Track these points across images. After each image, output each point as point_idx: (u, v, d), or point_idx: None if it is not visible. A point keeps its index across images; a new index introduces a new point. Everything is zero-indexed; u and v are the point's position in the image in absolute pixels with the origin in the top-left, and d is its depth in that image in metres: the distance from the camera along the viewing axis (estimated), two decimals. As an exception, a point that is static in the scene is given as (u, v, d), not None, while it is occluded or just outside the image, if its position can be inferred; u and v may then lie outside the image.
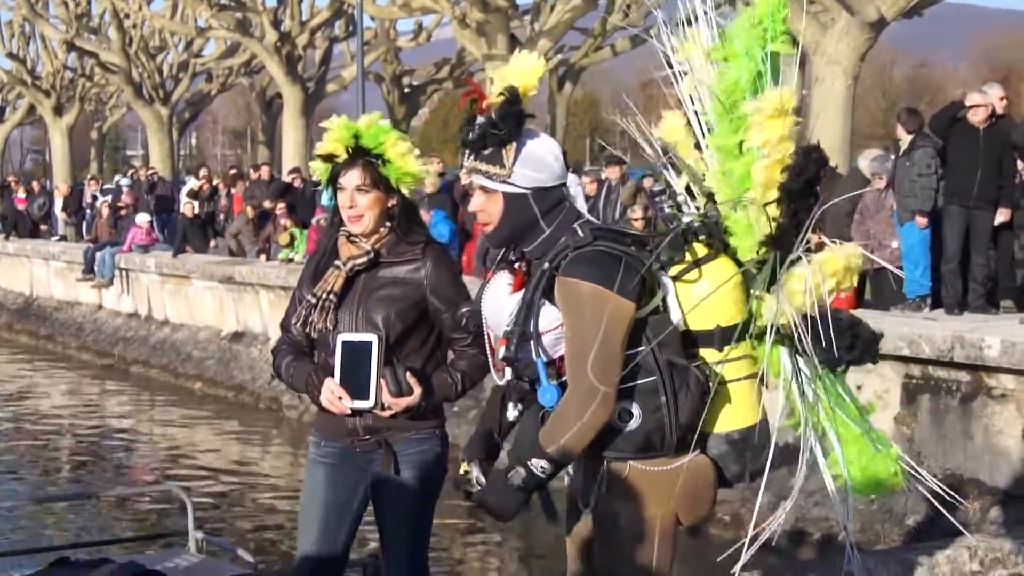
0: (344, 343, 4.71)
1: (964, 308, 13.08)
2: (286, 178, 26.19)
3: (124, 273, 26.53)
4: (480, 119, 3.98)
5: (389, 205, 4.86)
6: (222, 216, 27.02)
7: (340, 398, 4.73)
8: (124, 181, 31.23)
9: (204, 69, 49.12)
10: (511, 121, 3.95)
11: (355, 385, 4.70)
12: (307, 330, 4.89)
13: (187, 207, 26.46)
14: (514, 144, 4.00)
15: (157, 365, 23.84)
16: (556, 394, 3.95)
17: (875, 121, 58.96)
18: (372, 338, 4.70)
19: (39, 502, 14.10)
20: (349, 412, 4.77)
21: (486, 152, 4.02)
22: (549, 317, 3.98)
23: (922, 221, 13.21)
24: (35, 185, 36.83)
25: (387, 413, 4.78)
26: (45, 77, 51.14)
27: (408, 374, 4.77)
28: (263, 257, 23.49)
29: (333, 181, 4.85)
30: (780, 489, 12.63)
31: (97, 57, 45.71)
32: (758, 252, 4.13)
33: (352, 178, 4.80)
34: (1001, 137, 13.20)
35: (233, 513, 14.48)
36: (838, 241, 4.25)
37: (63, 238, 31.79)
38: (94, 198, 31.03)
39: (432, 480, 4.98)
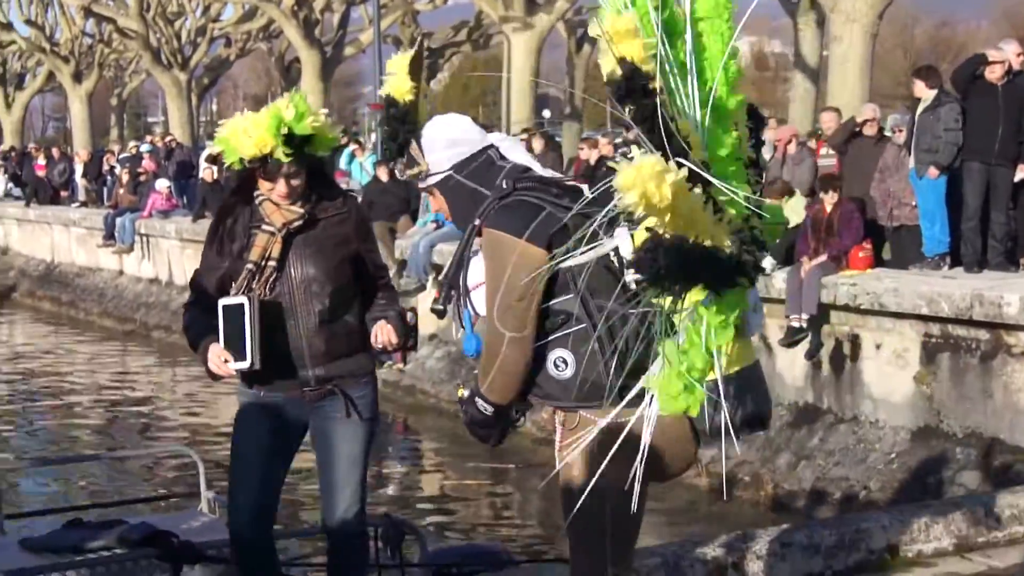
0: (223, 307, 4.79)
1: (984, 266, 13.02)
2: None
3: (144, 239, 26.57)
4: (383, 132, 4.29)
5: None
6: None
7: (226, 361, 4.80)
8: (144, 147, 31.20)
9: (222, 34, 48.99)
10: (396, 124, 4.23)
11: (234, 347, 4.76)
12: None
13: (206, 172, 26.39)
14: (412, 141, 4.20)
15: (178, 330, 23.82)
16: (476, 343, 4.07)
17: (897, 81, 58.53)
18: (243, 300, 4.78)
19: (55, 463, 14.18)
20: (232, 374, 4.83)
21: (404, 160, 4.26)
22: (477, 271, 4.09)
23: (934, 172, 13.13)
24: (55, 152, 36.81)
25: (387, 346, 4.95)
26: (64, 43, 51.13)
27: (411, 313, 4.98)
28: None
29: (260, 164, 4.84)
30: (800, 449, 12.73)
31: (115, 23, 45.65)
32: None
33: (285, 169, 4.86)
34: (1020, 93, 13.09)
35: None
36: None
37: (84, 204, 31.83)
38: (112, 168, 31.04)
39: (375, 421, 5.21)
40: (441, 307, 4.17)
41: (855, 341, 12.85)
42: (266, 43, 51.07)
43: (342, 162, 23.85)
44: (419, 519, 11.50)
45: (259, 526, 5.08)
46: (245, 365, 4.77)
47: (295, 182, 4.89)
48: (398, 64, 4.33)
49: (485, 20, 41.62)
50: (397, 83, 4.29)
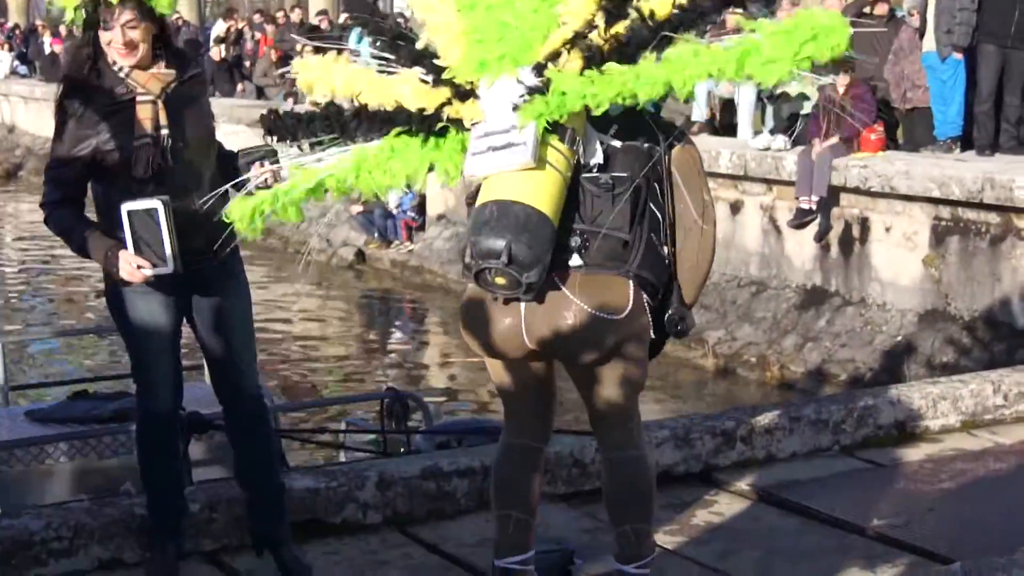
0: (130, 212, 4.50)
1: (995, 149, 12.93)
2: (313, 20, 25.97)
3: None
4: None
5: (155, 31, 4.70)
6: (248, 61, 26.83)
7: (140, 267, 4.55)
8: None
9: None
10: None
11: (152, 253, 4.53)
12: (143, 174, 4.63)
13: (214, 51, 26.27)
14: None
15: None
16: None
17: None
18: (156, 203, 4.51)
19: (61, 335, 14.23)
20: (151, 279, 4.58)
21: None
22: None
23: (958, 55, 13.00)
24: (63, 30, 36.50)
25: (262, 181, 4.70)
26: (70, -81, 50.51)
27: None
28: (291, 101, 23.34)
29: (95, 18, 4.62)
30: (807, 330, 12.75)
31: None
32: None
33: (125, 13, 4.58)
34: (1039, -25, 12.92)
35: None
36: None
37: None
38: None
39: (247, 280, 5.03)
40: None
41: (864, 224, 12.80)
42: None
43: (351, 40, 23.60)
44: (424, 395, 11.55)
45: (175, 409, 4.98)
46: (168, 270, 4.54)
47: (133, 34, 4.60)
48: None
49: None
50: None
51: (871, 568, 4.98)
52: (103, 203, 4.79)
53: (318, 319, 17.33)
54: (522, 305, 4.13)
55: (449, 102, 4.19)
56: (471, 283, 4.19)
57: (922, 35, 13.62)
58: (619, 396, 4.31)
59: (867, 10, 14.74)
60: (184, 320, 4.94)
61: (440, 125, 4.19)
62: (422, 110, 4.21)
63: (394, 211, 19.01)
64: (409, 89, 4.28)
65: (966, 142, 13.24)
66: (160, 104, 4.66)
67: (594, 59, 3.99)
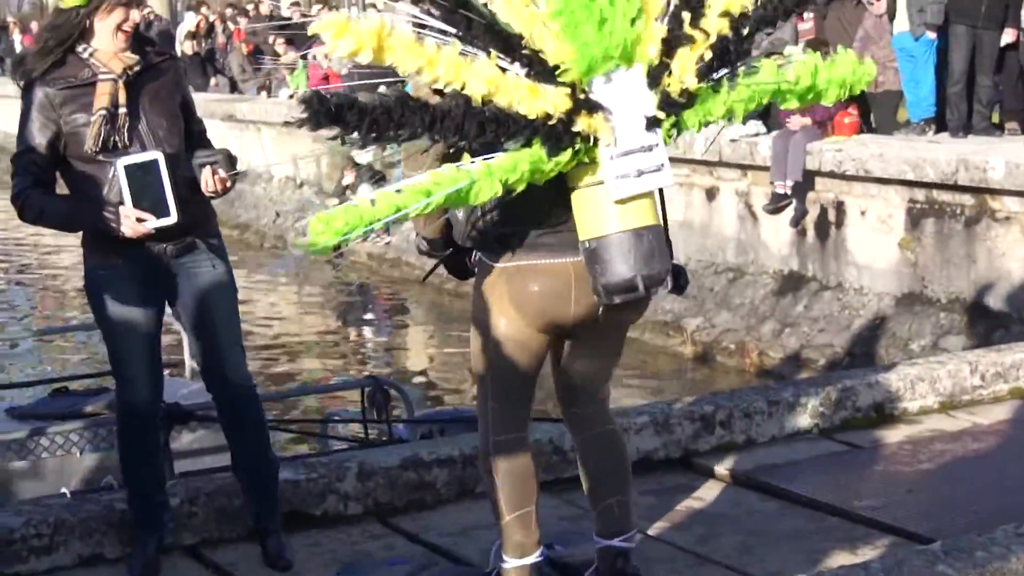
0: (128, 166, 4.53)
1: (969, 131, 12.98)
2: (285, 12, 25.91)
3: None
4: None
5: None
6: (220, 55, 26.76)
7: (142, 221, 4.57)
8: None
9: None
10: None
11: (153, 205, 4.55)
12: (97, 150, 4.63)
13: (186, 45, 26.20)
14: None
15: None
16: None
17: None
18: (156, 155, 4.58)
19: (40, 335, 14.20)
20: (153, 232, 4.60)
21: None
22: None
23: (932, 34, 13.05)
24: (34, 26, 36.35)
25: (220, 189, 4.74)
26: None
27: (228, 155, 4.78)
28: (264, 94, 23.33)
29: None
30: (784, 316, 12.78)
31: None
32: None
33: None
34: (1009, -45, 12.97)
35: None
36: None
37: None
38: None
39: (231, 268, 5.00)
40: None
41: (840, 208, 12.83)
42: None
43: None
44: (404, 385, 11.56)
45: (156, 403, 4.96)
46: (171, 220, 4.55)
47: (135, 15, 4.72)
48: None
49: None
50: None
51: (852, 550, 4.99)
52: (74, 186, 4.79)
53: (296, 311, 17.33)
54: (572, 274, 4.09)
55: (576, 111, 3.78)
56: (536, 261, 4.11)
57: (892, 17, 13.65)
58: (609, 369, 4.44)
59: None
60: (168, 309, 4.93)
61: (569, 141, 3.79)
62: (547, 117, 3.76)
63: (370, 204, 18.97)
64: (523, 86, 3.74)
65: (939, 124, 13.29)
66: (120, 83, 4.68)
67: (711, 65, 3.95)
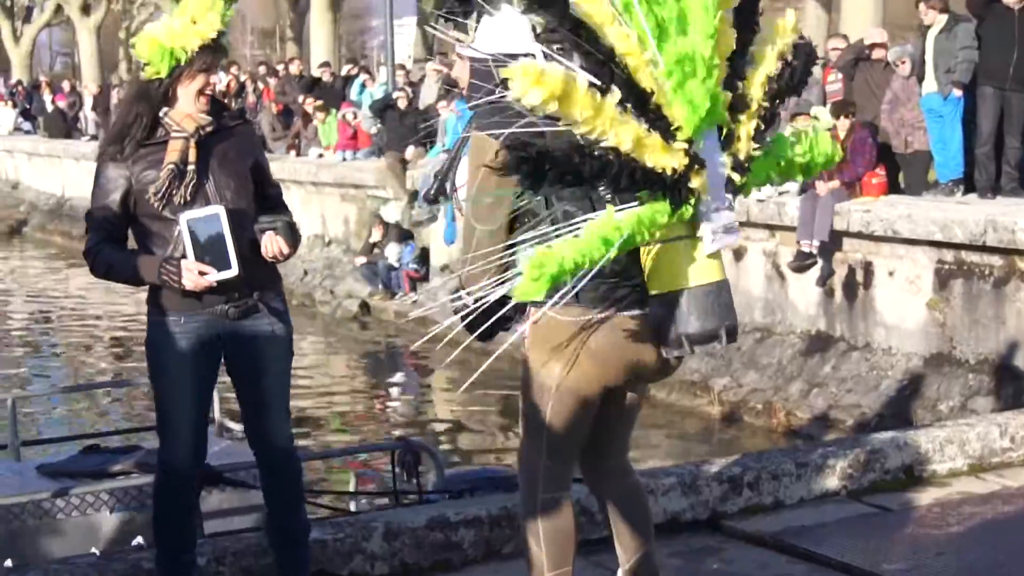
0: (191, 220, 4.66)
1: (997, 192, 12.97)
2: (316, 72, 26.09)
3: (155, 171, 26.44)
4: None
5: None
6: (250, 114, 26.93)
7: (204, 274, 4.68)
8: None
9: (231, -35, 48.55)
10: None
11: (215, 258, 4.67)
12: (163, 204, 4.75)
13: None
14: (476, 14, 4.18)
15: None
16: (451, 231, 4.14)
17: (911, 12, 58.15)
18: (218, 209, 4.69)
19: (73, 391, 14.25)
20: (214, 286, 4.71)
21: (458, 22, 4.23)
22: (463, 171, 4.20)
23: (958, 92, 13.08)
24: (65, 86, 36.72)
25: (279, 256, 4.83)
26: (71, -24, 50.79)
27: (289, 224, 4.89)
28: (293, 153, 23.47)
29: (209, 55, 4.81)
30: (812, 376, 12.74)
31: (124, -45, 45.33)
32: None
33: (214, 62, 4.84)
34: (1036, 18, 13.00)
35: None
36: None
37: (94, 138, 31.77)
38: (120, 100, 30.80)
39: (292, 332, 5.05)
40: (432, 197, 4.29)
41: (868, 268, 12.82)
42: (275, -25, 50.67)
43: (353, 92, 23.76)
44: (432, 445, 11.55)
45: (195, 464, 4.99)
46: (232, 273, 4.66)
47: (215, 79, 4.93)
48: None
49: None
50: None
51: (881, 613, 4.97)
52: (142, 244, 4.90)
53: (324, 370, 17.33)
54: (646, 326, 4.18)
55: (690, 167, 3.89)
56: (614, 314, 4.18)
57: (920, 79, 13.68)
58: (637, 419, 4.59)
59: (867, 53, 14.83)
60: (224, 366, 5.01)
61: (687, 196, 3.92)
62: (673, 172, 3.87)
63: (396, 263, 19.04)
64: (657, 142, 3.85)
65: (968, 185, 13.29)
66: (191, 142, 4.79)
67: (760, 129, 4.08)
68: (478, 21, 4.15)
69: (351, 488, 7.86)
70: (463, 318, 4.23)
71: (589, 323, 4.18)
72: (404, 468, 6.99)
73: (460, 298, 4.22)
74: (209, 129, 4.83)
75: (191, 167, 4.76)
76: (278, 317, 4.96)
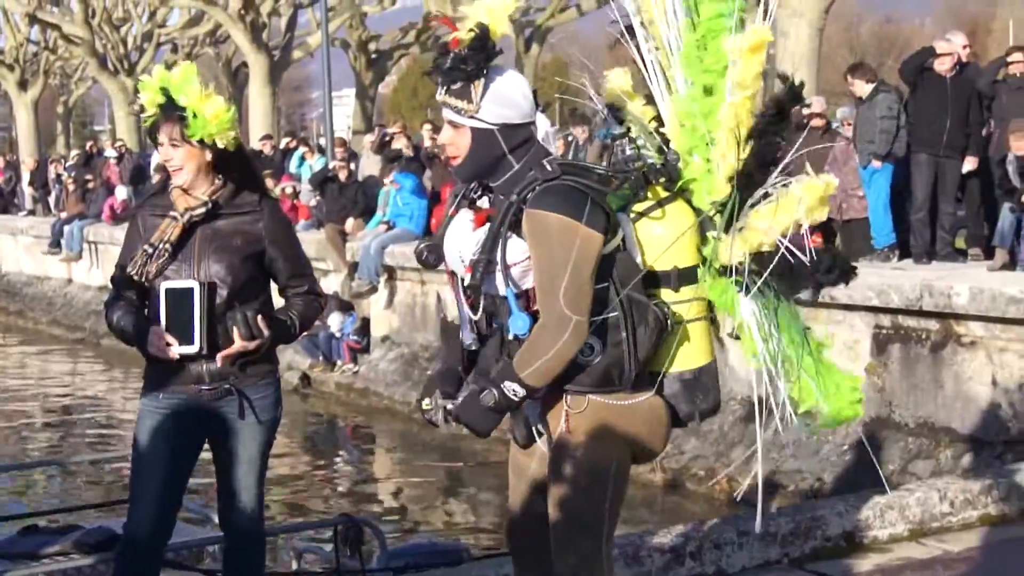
0: (167, 290, 4.78)
1: (932, 257, 13.11)
2: (256, 145, 26.06)
3: (93, 246, 26.38)
4: (451, 53, 3.99)
5: (208, 158, 4.94)
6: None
7: (168, 344, 4.78)
8: (110, 153, 29.96)
9: (169, 39, 48.64)
10: (479, 57, 3.97)
11: (180, 331, 4.75)
12: (140, 279, 4.91)
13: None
14: (482, 80, 4.01)
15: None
16: (528, 322, 3.99)
17: (843, 78, 59.01)
18: (193, 284, 4.78)
19: (6, 471, 14.06)
20: (176, 358, 4.80)
21: (455, 87, 4.03)
22: (517, 250, 4.00)
23: (877, 163, 13.26)
24: (1, 161, 36.52)
25: (233, 350, 4.89)
26: (8, 51, 50.62)
27: (259, 317, 4.94)
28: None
29: (152, 134, 4.96)
30: (753, 442, 12.74)
31: (60, 29, 45.22)
32: (714, 194, 4.16)
33: (165, 132, 4.89)
34: (968, 85, 13.22)
35: (205, 481, 14.48)
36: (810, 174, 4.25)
37: (31, 212, 31.57)
38: (59, 176, 30.45)
39: (275, 423, 5.17)
40: (478, 282, 4.03)
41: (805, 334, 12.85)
42: (213, 48, 50.71)
43: (292, 165, 23.77)
44: (375, 519, 11.48)
45: (157, 538, 5.02)
46: (193, 349, 4.74)
47: (173, 153, 4.89)
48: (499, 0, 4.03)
49: (434, 22, 41.51)
50: (498, 16, 4.00)
51: None
52: (144, 307, 5.04)
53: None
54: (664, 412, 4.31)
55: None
56: (651, 395, 4.23)
57: (856, 145, 13.85)
58: None
59: (805, 122, 14.99)
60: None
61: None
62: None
63: (336, 334, 18.98)
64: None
65: (903, 250, 13.43)
66: (178, 223, 4.89)
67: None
68: (484, 88, 4.00)
69: (293, 567, 7.79)
70: (496, 411, 4.03)
71: (634, 406, 4.16)
72: (347, 544, 6.95)
73: (502, 391, 3.98)
74: (199, 213, 4.89)
75: (166, 247, 4.87)
76: (250, 404, 4.97)
